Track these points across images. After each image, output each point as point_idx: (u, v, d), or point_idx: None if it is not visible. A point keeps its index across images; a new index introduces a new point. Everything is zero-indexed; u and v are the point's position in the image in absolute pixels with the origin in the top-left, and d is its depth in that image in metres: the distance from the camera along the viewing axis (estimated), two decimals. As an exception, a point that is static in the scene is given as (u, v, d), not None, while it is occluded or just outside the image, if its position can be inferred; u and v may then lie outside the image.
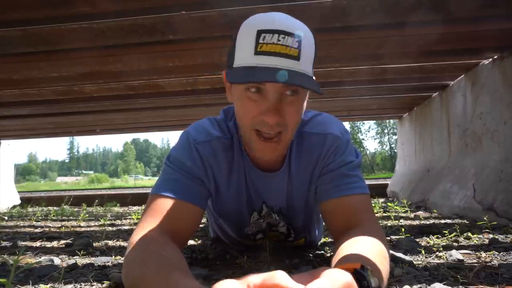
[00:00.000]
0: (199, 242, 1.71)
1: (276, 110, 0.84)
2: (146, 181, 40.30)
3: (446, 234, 1.61)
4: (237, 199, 1.11)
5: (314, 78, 0.90)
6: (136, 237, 0.88)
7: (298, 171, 1.07)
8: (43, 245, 1.78)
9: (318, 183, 1.04)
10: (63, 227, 2.46)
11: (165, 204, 0.93)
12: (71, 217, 3.33)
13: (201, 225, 2.27)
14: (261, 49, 0.80)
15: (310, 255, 1.34)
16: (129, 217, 3.14)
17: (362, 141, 38.65)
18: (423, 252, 1.28)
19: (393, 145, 36.68)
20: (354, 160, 1.02)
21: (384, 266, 0.72)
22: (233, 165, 1.06)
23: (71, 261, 1.35)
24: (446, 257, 1.21)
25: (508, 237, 1.57)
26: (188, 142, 1.02)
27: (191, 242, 1.70)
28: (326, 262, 1.19)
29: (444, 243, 1.49)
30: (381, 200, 4.18)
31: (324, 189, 1.00)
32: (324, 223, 1.19)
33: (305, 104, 0.93)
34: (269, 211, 1.16)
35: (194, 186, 0.98)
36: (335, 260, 0.72)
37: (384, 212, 2.83)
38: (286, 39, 0.80)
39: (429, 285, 0.91)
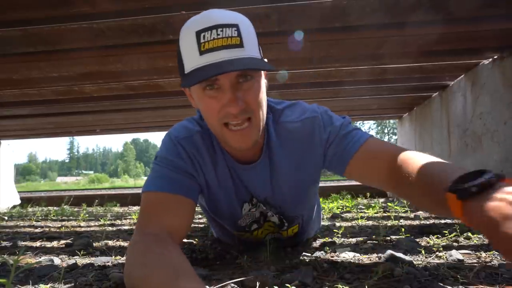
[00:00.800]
0: (199, 242, 1.71)
1: (236, 99, 0.86)
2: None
3: (446, 234, 1.61)
4: (226, 192, 1.13)
5: (265, 60, 0.93)
6: (137, 238, 0.88)
7: (283, 161, 1.08)
8: (43, 245, 1.78)
9: (328, 158, 1.06)
10: (63, 227, 2.46)
11: (158, 200, 0.95)
12: (71, 217, 3.33)
13: (201, 225, 2.27)
14: (204, 48, 0.83)
15: (310, 255, 1.34)
16: (129, 217, 3.14)
17: (362, 141, 38.63)
18: (423, 252, 1.28)
19: (393, 145, 36.61)
20: (343, 121, 1.06)
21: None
22: (217, 159, 1.08)
23: (71, 261, 1.35)
24: (446, 257, 1.21)
25: (508, 237, 1.56)
26: (171, 141, 1.05)
27: (191, 242, 1.70)
28: (326, 262, 1.19)
29: (444, 243, 1.49)
30: (381, 200, 4.18)
31: (338, 157, 1.03)
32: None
33: (263, 85, 0.95)
34: (257, 199, 1.17)
35: (183, 179, 1.00)
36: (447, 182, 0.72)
37: (384, 212, 2.83)
38: (225, 31, 0.83)
39: (429, 285, 0.91)
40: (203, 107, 0.92)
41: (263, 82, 0.95)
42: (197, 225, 2.30)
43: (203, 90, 0.88)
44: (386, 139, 40.22)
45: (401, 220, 2.29)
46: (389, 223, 2.15)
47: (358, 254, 1.30)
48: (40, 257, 1.41)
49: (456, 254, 1.21)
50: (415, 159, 0.85)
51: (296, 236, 1.39)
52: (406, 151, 0.90)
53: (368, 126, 39.45)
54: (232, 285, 0.91)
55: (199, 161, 1.05)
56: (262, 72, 0.95)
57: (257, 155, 1.07)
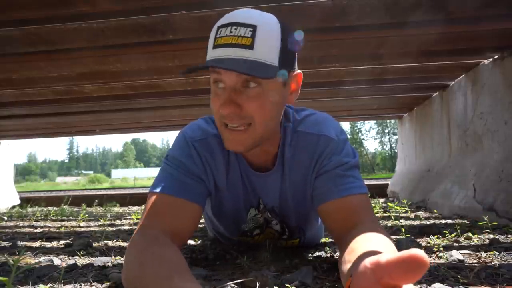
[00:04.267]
0: (199, 242, 1.71)
1: (230, 101, 0.85)
2: (146, 181, 40.31)
3: (446, 234, 1.61)
4: (234, 197, 1.11)
5: (279, 66, 0.86)
6: (136, 237, 0.88)
7: (292, 171, 1.06)
8: (42, 245, 1.77)
9: (314, 185, 1.02)
10: (63, 227, 2.46)
11: (164, 202, 0.93)
12: (70, 217, 3.32)
13: (200, 225, 2.27)
14: (217, 43, 0.84)
15: (310, 255, 1.34)
16: (129, 217, 3.14)
17: (362, 141, 38.75)
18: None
19: (393, 145, 36.72)
20: (350, 160, 1.00)
21: None
22: (230, 163, 1.06)
23: (71, 261, 1.35)
24: (446, 257, 1.21)
25: (509, 237, 1.56)
26: (185, 141, 1.02)
27: (191, 242, 1.70)
28: (326, 262, 1.19)
29: (445, 243, 1.49)
30: (381, 200, 4.18)
31: (321, 192, 0.99)
32: (323, 225, 1.18)
33: (278, 95, 0.89)
34: (265, 207, 1.16)
35: (193, 184, 0.98)
36: (351, 257, 0.70)
37: (384, 212, 2.83)
38: (238, 30, 0.82)
39: (429, 285, 0.90)
40: (211, 101, 0.93)
41: (279, 91, 0.90)
42: (197, 225, 2.30)
43: (213, 84, 0.89)
44: (386, 139, 40.24)
45: (401, 220, 2.29)
46: (389, 223, 2.15)
47: (358, 254, 1.30)
48: (40, 257, 1.41)
49: (456, 254, 1.20)
50: (363, 244, 0.76)
51: (301, 246, 1.39)
52: (366, 232, 0.81)
53: (369, 126, 39.49)
54: (232, 285, 0.91)
55: (211, 166, 1.03)
56: (284, 83, 0.90)
57: (271, 163, 1.05)
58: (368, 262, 0.45)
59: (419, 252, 0.38)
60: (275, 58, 0.85)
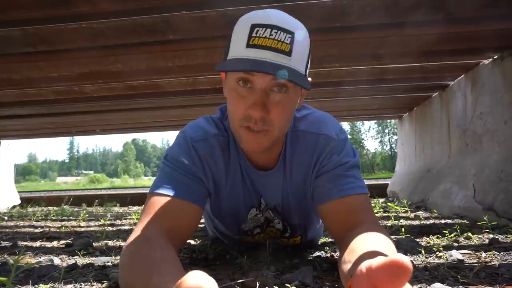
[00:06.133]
0: (199, 242, 1.71)
1: (262, 104, 0.84)
2: (146, 181, 40.31)
3: (446, 234, 1.61)
4: (234, 196, 1.11)
5: (309, 79, 0.90)
6: (132, 238, 0.87)
7: (293, 170, 1.06)
8: (43, 245, 1.78)
9: (314, 185, 1.02)
10: (63, 227, 2.46)
11: (163, 203, 0.92)
12: (71, 217, 3.33)
13: (201, 225, 2.27)
14: (253, 42, 0.81)
15: (310, 255, 1.34)
16: (129, 217, 3.14)
17: (362, 141, 38.73)
18: (423, 252, 1.28)
19: (393, 145, 36.70)
20: (350, 160, 1.00)
21: None
22: (230, 163, 1.05)
23: (71, 261, 1.35)
24: (446, 257, 1.21)
25: (508, 237, 1.56)
26: (185, 141, 1.02)
27: (191, 242, 1.70)
28: (326, 262, 1.19)
29: (444, 243, 1.49)
30: (381, 200, 4.18)
31: (320, 192, 0.99)
32: (323, 224, 1.18)
33: (296, 104, 0.93)
34: (266, 206, 1.16)
35: (193, 184, 0.98)
36: (351, 257, 0.71)
37: (384, 212, 2.83)
38: (279, 34, 0.80)
39: (429, 285, 0.91)
40: (231, 101, 0.91)
41: (297, 100, 0.92)
42: (197, 225, 2.30)
43: (237, 83, 0.86)
44: (386, 139, 40.23)
45: (401, 220, 2.29)
46: (389, 223, 2.15)
47: (358, 254, 1.30)
48: (40, 257, 1.41)
49: (456, 254, 1.20)
50: (363, 244, 0.76)
51: (296, 246, 1.39)
52: (366, 232, 0.81)
53: (368, 126, 39.48)
54: (232, 285, 0.91)
55: (211, 166, 1.03)
56: (301, 90, 0.92)
57: (274, 162, 1.05)
58: (364, 266, 0.45)
59: (402, 258, 0.39)
60: (304, 67, 0.87)
